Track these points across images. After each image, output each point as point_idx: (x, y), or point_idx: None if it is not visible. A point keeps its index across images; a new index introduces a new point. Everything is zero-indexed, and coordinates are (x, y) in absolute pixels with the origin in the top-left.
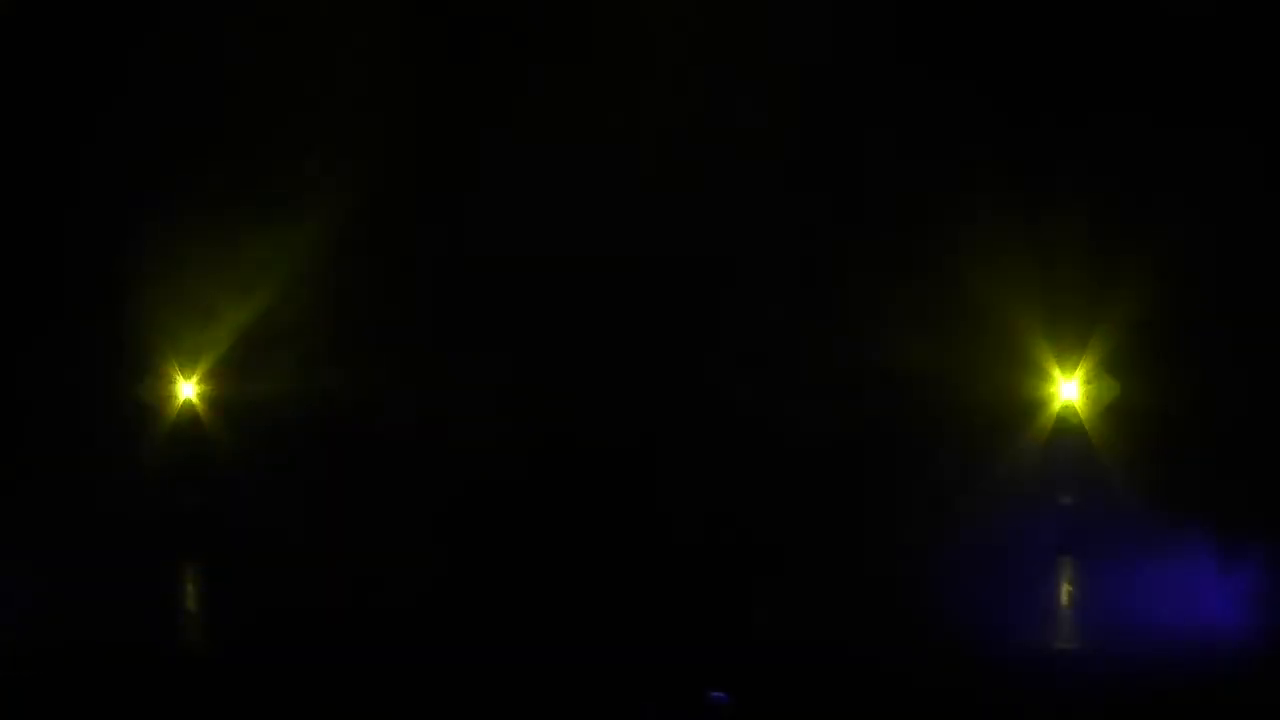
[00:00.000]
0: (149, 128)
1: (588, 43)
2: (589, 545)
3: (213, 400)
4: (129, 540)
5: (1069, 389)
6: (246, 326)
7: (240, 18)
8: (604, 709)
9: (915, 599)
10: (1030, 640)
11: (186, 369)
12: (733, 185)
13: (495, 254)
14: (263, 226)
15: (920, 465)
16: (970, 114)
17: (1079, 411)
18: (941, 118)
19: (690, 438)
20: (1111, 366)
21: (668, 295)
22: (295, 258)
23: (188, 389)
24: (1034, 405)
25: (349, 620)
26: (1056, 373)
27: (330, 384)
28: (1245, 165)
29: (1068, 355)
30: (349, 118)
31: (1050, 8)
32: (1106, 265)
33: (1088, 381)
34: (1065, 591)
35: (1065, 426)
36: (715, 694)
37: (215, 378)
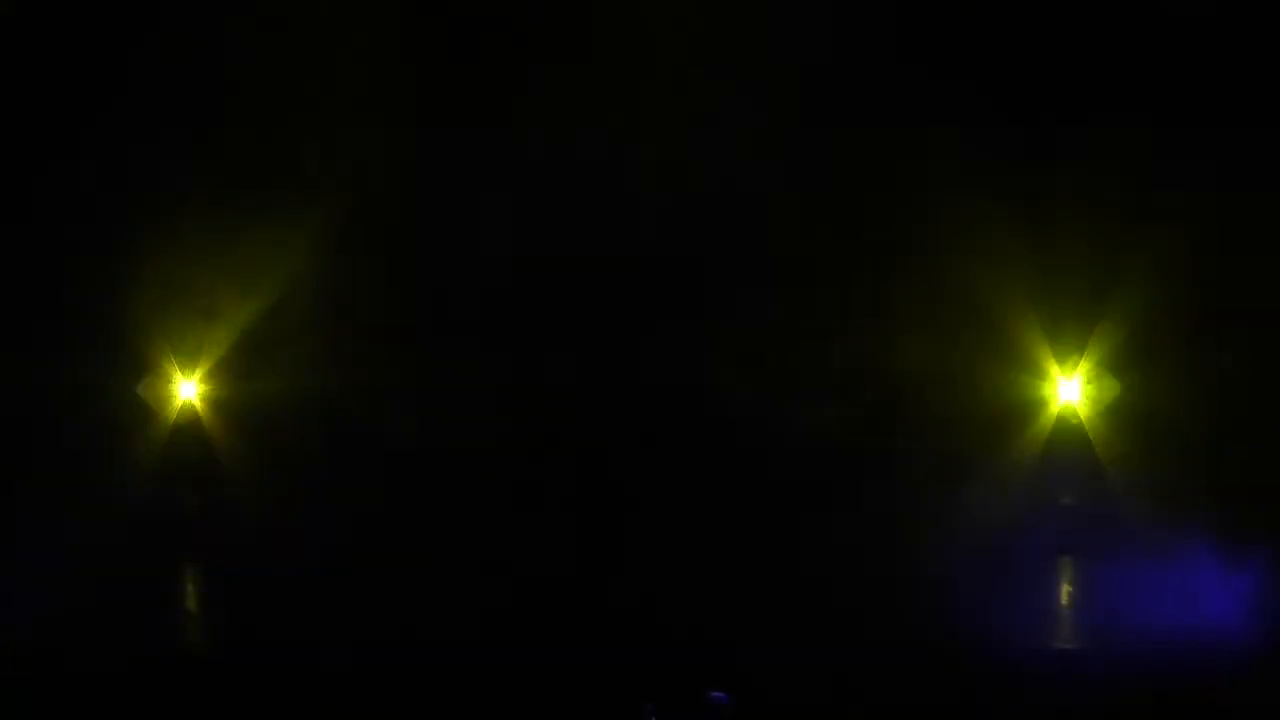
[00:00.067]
0: (149, 127)
1: (588, 42)
2: (589, 545)
3: (213, 400)
4: (129, 540)
5: (1069, 389)
6: (246, 326)
7: (240, 17)
8: (604, 709)
9: (915, 599)
10: (1030, 640)
11: (186, 369)
12: (732, 185)
13: (495, 254)
14: (263, 226)
15: (920, 465)
16: (970, 113)
17: (1079, 411)
18: (941, 117)
19: (690, 438)
20: (1111, 366)
21: (668, 295)
22: (295, 258)
23: (188, 389)
24: (1034, 405)
25: (349, 620)
26: (1056, 373)
27: (330, 384)
28: (1245, 165)
29: (1068, 355)
30: (349, 117)
31: (1050, 7)
32: (1106, 265)
33: (1088, 381)
34: (1065, 592)
35: (1065, 426)
36: (715, 694)
37: (215, 378)
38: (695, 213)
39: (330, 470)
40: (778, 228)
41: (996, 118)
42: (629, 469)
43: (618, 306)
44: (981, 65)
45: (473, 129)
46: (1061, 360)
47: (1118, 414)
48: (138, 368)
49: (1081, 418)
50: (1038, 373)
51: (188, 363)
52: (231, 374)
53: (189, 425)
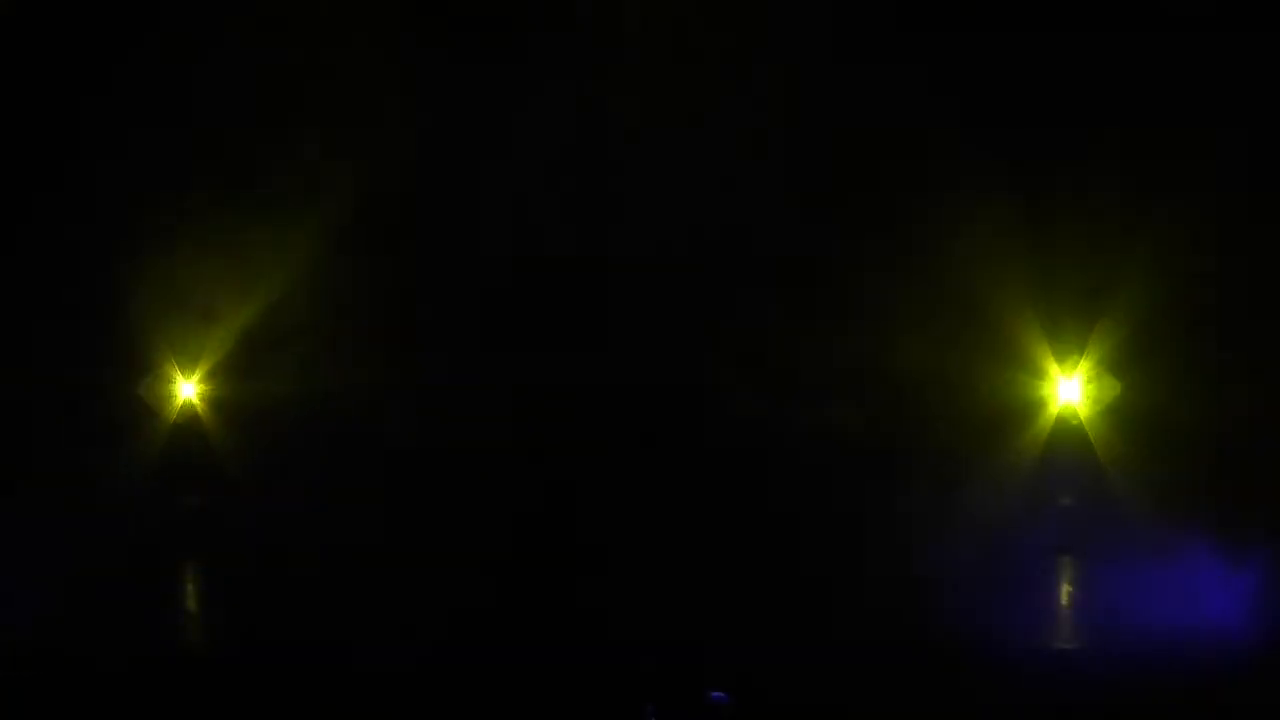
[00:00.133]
0: (150, 127)
1: (588, 42)
2: (589, 545)
3: (213, 400)
4: (129, 540)
5: (1069, 389)
6: (247, 327)
7: (240, 18)
8: (604, 709)
9: (915, 599)
10: (1030, 640)
11: (186, 369)
12: (732, 185)
13: (495, 254)
14: (263, 226)
15: (920, 465)
16: (970, 113)
17: (1079, 411)
18: (941, 117)
19: (690, 438)
20: (1111, 366)
21: (668, 295)
22: (296, 258)
23: (188, 389)
24: (1034, 405)
25: (349, 620)
26: (1056, 373)
27: (330, 384)
28: (1245, 165)
29: (1068, 355)
30: (349, 117)
31: (1050, 7)
32: (1106, 265)
33: (1088, 381)
34: (1065, 592)
35: (1065, 426)
36: (715, 694)
37: (215, 378)
38: (695, 213)
39: (330, 470)
40: (778, 228)
41: (996, 118)
42: (629, 469)
43: (618, 306)
44: (982, 65)
45: (473, 129)
46: (1061, 360)
47: (1118, 414)
48: (138, 368)
49: (1081, 418)
50: (1038, 373)
51: (188, 363)
52: (231, 374)
53: (189, 425)
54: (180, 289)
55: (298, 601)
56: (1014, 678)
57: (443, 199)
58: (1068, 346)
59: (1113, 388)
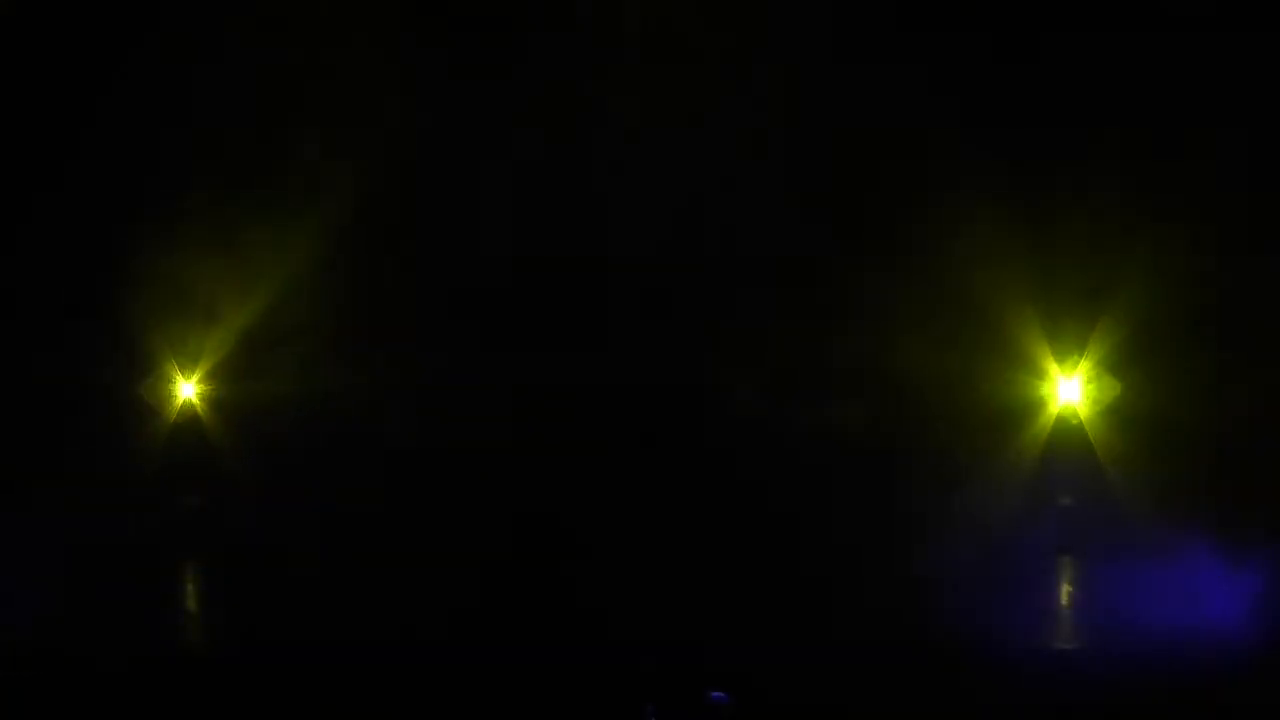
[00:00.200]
0: (150, 127)
1: (588, 43)
2: (589, 545)
3: (213, 400)
4: (129, 540)
5: (1069, 389)
6: (247, 327)
7: (240, 18)
8: (604, 709)
9: (915, 599)
10: (1030, 640)
11: (187, 369)
12: (732, 185)
13: (495, 254)
14: (263, 226)
15: (920, 465)
16: (970, 114)
17: (1079, 411)
18: (941, 117)
19: (690, 438)
20: (1111, 366)
21: (668, 295)
22: (296, 258)
23: (188, 389)
24: (1034, 405)
25: (349, 620)
26: (1056, 373)
27: (330, 384)
28: (1245, 165)
29: (1068, 355)
30: (349, 117)
31: (1050, 7)
32: (1106, 265)
33: (1088, 381)
34: (1065, 592)
35: (1065, 426)
36: (715, 694)
37: (215, 378)
38: (696, 213)
39: (330, 470)
40: (778, 228)
41: (996, 118)
42: (629, 469)
43: (618, 306)
44: (982, 65)
45: (472, 129)
46: (1061, 360)
47: (1118, 414)
48: (138, 368)
49: (1081, 418)
50: (1038, 373)
51: (188, 363)
52: (231, 374)
53: (189, 425)
54: (180, 289)
55: (298, 601)
56: (1014, 678)
57: (443, 199)
58: (1068, 346)
59: (1113, 388)
